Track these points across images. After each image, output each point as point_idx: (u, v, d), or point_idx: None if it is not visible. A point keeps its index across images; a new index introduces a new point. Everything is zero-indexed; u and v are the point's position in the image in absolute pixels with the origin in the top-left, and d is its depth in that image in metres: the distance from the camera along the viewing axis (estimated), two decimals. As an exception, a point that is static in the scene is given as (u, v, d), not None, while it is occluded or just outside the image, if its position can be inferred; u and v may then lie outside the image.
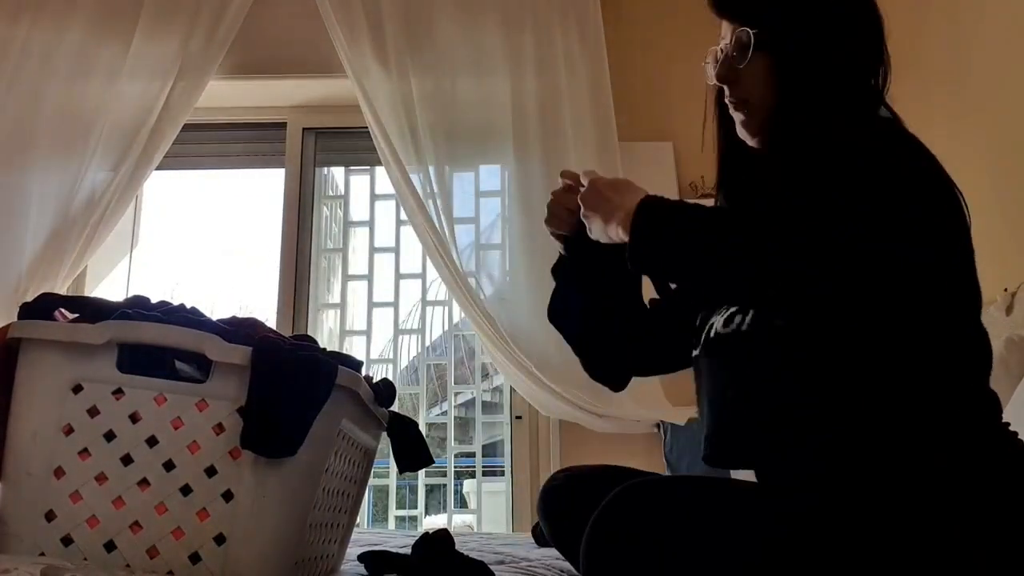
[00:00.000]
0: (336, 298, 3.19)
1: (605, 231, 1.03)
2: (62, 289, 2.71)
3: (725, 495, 0.86)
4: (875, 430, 0.89)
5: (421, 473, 2.98)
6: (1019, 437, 0.92)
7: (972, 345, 0.94)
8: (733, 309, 1.04)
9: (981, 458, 0.87)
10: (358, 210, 3.22)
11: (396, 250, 3.13)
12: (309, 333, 2.96)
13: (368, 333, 3.09)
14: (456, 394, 3.19)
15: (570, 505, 1.23)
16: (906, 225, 0.85)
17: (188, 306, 1.18)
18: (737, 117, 1.09)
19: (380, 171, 3.06)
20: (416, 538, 1.31)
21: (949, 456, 0.86)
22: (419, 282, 3.12)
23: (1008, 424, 0.94)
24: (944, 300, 0.87)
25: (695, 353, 1.13)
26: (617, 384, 1.33)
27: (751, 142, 1.10)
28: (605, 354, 1.30)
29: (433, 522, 3.12)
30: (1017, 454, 0.90)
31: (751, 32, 1.04)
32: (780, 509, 0.84)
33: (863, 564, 0.80)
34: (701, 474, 1.04)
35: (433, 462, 1.44)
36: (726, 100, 1.10)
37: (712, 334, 1.07)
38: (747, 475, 1.10)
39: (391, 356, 3.15)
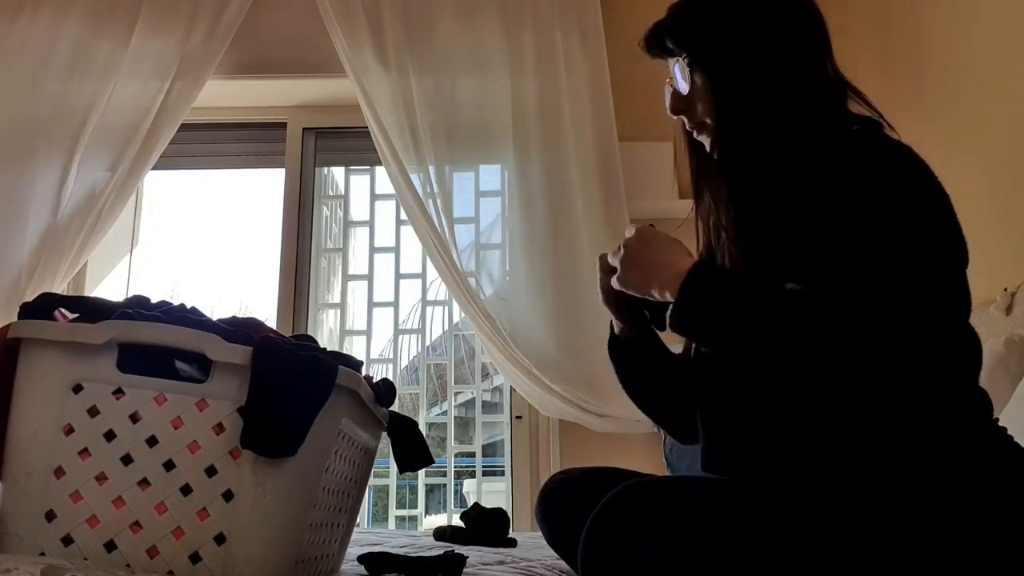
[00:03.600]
0: (336, 298, 3.19)
1: (650, 292, 1.00)
2: (61, 288, 2.71)
3: (723, 496, 0.87)
4: (869, 431, 0.89)
5: (421, 473, 2.98)
6: (1009, 434, 0.93)
7: (963, 345, 0.94)
8: None
9: (973, 455, 0.88)
10: (358, 210, 3.22)
11: (396, 250, 3.13)
12: (309, 333, 2.96)
13: (368, 333, 3.09)
14: (456, 394, 3.19)
15: (568, 508, 1.24)
16: (900, 247, 0.87)
17: (188, 306, 1.18)
18: (704, 140, 1.11)
19: (380, 171, 3.06)
20: (417, 538, 1.31)
21: (942, 454, 0.87)
22: (419, 282, 3.12)
23: (997, 420, 0.95)
24: (937, 305, 0.88)
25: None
26: None
27: None
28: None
29: (433, 522, 3.12)
30: (1008, 450, 0.91)
31: (684, 59, 1.08)
32: (778, 509, 0.84)
33: (862, 563, 0.80)
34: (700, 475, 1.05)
35: (433, 462, 1.44)
36: (688, 129, 1.13)
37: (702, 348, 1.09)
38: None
39: (391, 356, 3.15)
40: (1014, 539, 0.82)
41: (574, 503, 1.21)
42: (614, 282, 1.05)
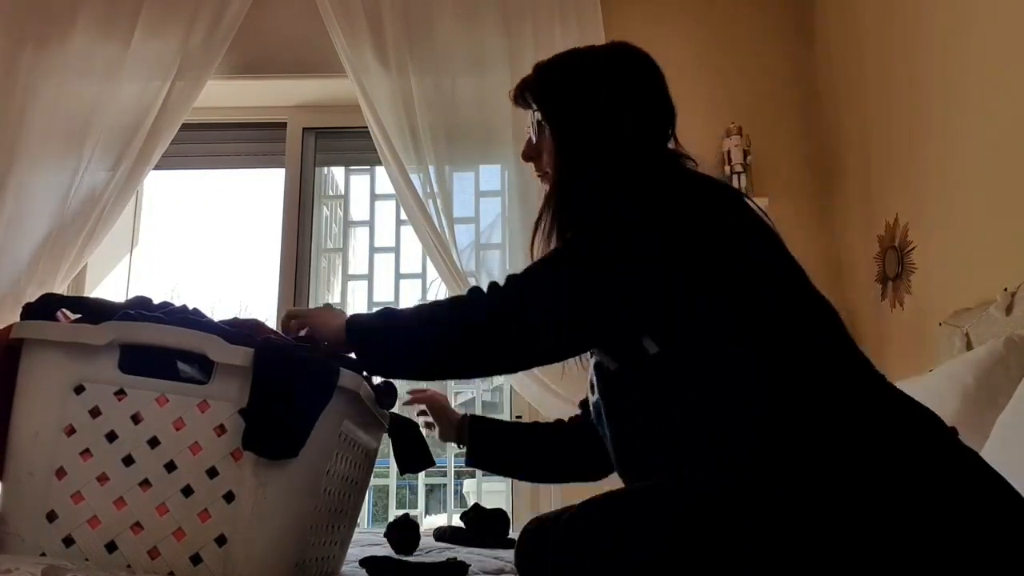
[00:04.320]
0: (336, 298, 3.20)
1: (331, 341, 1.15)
2: (62, 288, 2.71)
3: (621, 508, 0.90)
4: (753, 421, 0.91)
5: (421, 473, 2.98)
6: (899, 391, 0.94)
7: (813, 311, 0.98)
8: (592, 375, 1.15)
9: (856, 417, 0.89)
10: (358, 210, 3.22)
11: (396, 250, 3.13)
12: (309, 333, 2.96)
13: (368, 333, 3.08)
14: (456, 394, 3.19)
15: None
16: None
17: (190, 307, 1.18)
18: (545, 187, 1.23)
19: (380, 171, 3.06)
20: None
21: (830, 422, 0.88)
22: (419, 282, 3.13)
23: (882, 377, 0.96)
24: (748, 292, 0.95)
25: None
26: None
27: None
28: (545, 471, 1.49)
29: (433, 522, 3.12)
30: (888, 405, 0.92)
31: (536, 113, 1.21)
32: (679, 507, 0.86)
33: (768, 555, 0.81)
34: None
35: (434, 463, 1.44)
36: (536, 175, 1.26)
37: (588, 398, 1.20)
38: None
39: (391, 356, 3.15)
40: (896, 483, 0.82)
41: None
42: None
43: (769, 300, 0.96)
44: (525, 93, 1.23)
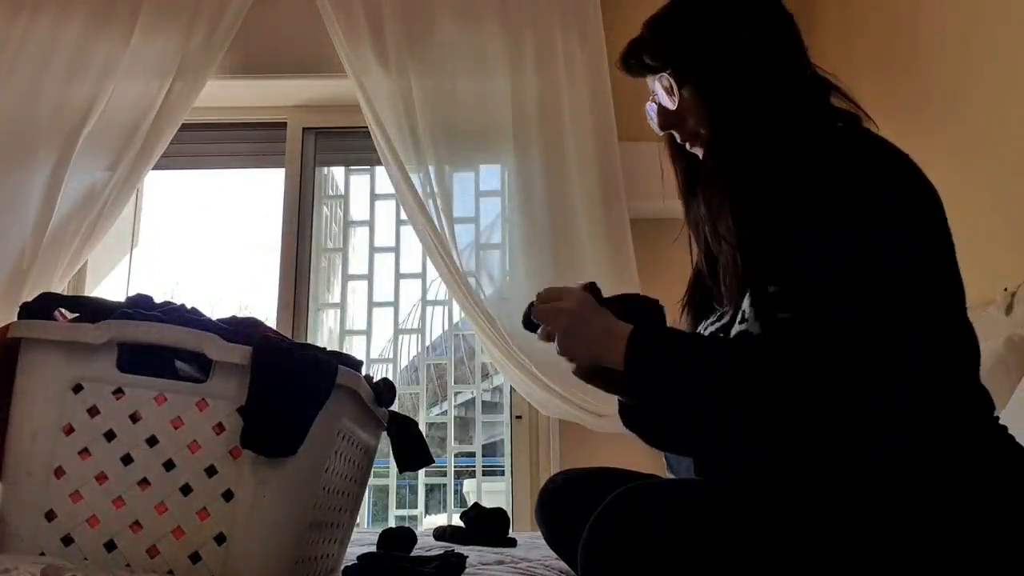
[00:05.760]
0: (336, 298, 3.20)
1: (598, 360, 1.04)
2: (61, 287, 2.71)
3: (723, 500, 0.86)
4: (868, 430, 0.89)
5: (421, 473, 2.98)
6: (1009, 432, 0.93)
7: (959, 340, 0.95)
8: (720, 323, 1.06)
9: (972, 454, 0.88)
10: (358, 210, 3.22)
11: (396, 250, 3.13)
12: (309, 333, 2.97)
13: (368, 333, 3.09)
14: (456, 394, 3.19)
15: (568, 508, 1.24)
16: (892, 246, 0.88)
17: (188, 306, 1.18)
18: (698, 151, 1.11)
19: (380, 171, 3.06)
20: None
21: (942, 453, 0.87)
22: (419, 282, 3.12)
23: (998, 418, 0.95)
24: (930, 300, 0.89)
25: None
26: None
27: None
28: None
29: (433, 522, 3.12)
30: (1007, 449, 0.91)
31: (666, 74, 1.08)
32: (779, 513, 0.84)
33: (863, 564, 0.80)
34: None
35: (433, 461, 1.44)
36: (680, 142, 1.13)
37: None
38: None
39: (391, 356, 3.15)
40: (1013, 539, 0.82)
41: (574, 503, 1.21)
42: (555, 348, 1.08)
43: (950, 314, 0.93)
44: (643, 57, 1.11)
